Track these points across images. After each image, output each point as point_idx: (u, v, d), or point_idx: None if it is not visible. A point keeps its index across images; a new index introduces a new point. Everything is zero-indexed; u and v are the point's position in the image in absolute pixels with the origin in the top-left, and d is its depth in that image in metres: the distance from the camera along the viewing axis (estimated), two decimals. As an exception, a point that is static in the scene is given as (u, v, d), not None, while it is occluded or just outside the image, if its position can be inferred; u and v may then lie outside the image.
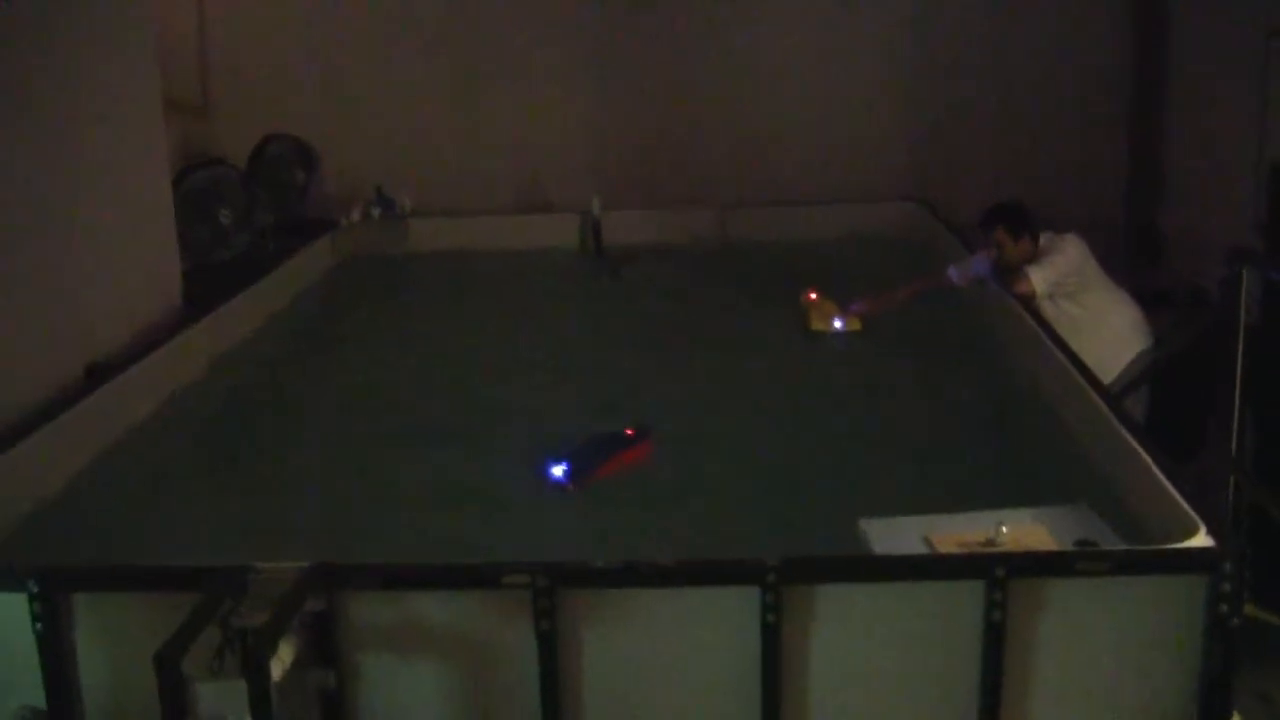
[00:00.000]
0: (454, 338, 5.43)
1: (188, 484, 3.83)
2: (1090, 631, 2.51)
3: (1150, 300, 5.44)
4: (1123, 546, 2.79)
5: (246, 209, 6.00)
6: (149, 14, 4.84)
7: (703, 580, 2.52)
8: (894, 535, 2.91)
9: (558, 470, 3.58)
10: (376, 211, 6.94)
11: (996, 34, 7.18)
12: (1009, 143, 7.18)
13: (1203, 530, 2.62)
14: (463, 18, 7.27)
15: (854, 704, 2.54)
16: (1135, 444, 3.19)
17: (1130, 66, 7.14)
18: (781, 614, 2.46)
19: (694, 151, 7.29)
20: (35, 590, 2.51)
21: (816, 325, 5.20)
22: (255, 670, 2.19)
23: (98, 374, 4.05)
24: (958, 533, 2.84)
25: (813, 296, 5.33)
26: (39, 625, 2.52)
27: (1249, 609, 2.55)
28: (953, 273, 5.31)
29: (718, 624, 2.50)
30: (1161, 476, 2.96)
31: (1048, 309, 5.01)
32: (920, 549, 2.82)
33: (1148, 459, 3.08)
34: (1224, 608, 2.45)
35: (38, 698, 2.55)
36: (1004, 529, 2.74)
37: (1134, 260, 6.88)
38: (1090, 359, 4.07)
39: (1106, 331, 5.14)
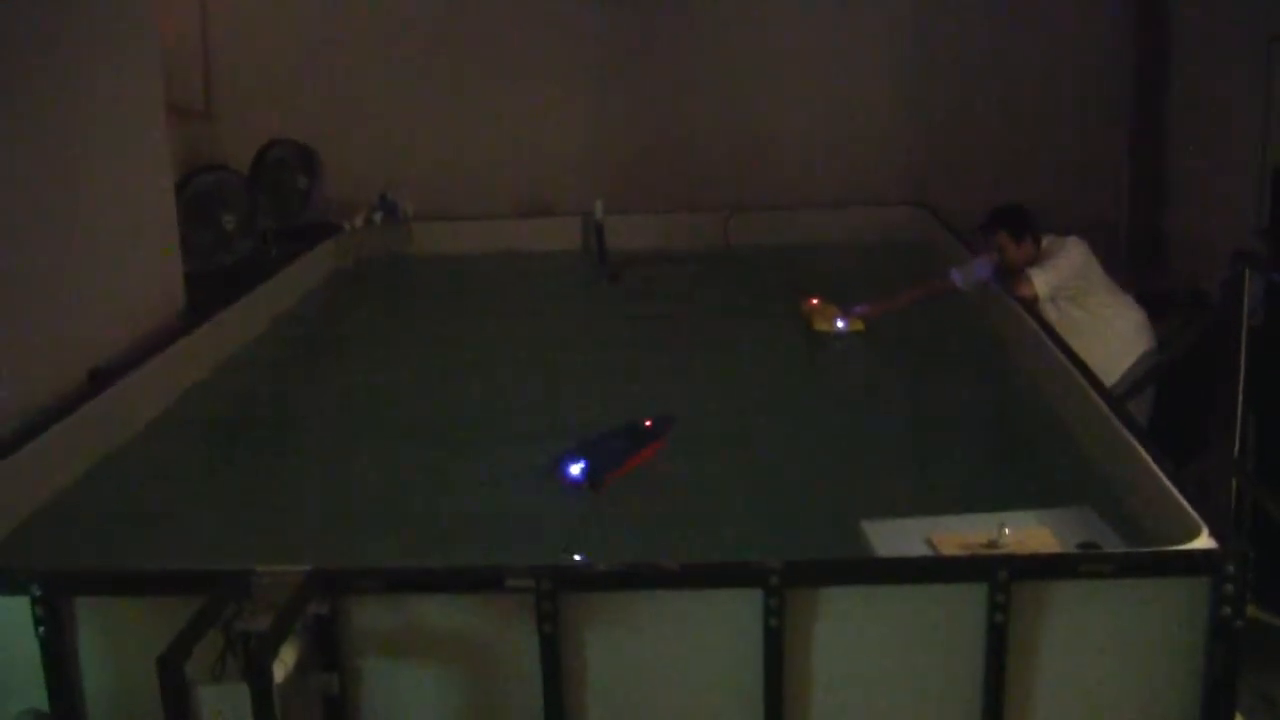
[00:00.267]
0: (457, 341, 5.43)
1: (190, 488, 3.83)
2: (1093, 633, 2.51)
3: (1151, 302, 5.44)
4: (1125, 548, 2.80)
5: (249, 214, 6.01)
6: (151, 19, 4.85)
7: (705, 583, 2.52)
8: (896, 537, 2.91)
9: (575, 469, 3.52)
10: (379, 216, 6.96)
11: (997, 36, 7.18)
12: (1010, 144, 7.18)
13: (1205, 532, 2.62)
14: (464, 22, 7.27)
15: (856, 706, 2.54)
16: (1137, 446, 3.19)
17: (1131, 68, 7.13)
18: (784, 617, 2.46)
19: (695, 154, 7.29)
20: (38, 594, 2.51)
21: (819, 326, 5.20)
22: (258, 674, 2.19)
23: (101, 378, 4.06)
24: (960, 534, 2.84)
25: (814, 303, 5.34)
26: (42, 629, 2.52)
27: (1252, 611, 2.53)
28: (955, 276, 5.31)
29: (720, 627, 2.50)
30: (1164, 478, 2.96)
31: (1050, 311, 5.01)
32: (922, 551, 2.82)
33: (1150, 461, 3.08)
34: (1227, 609, 2.45)
35: (40, 701, 2.56)
36: (1006, 531, 2.74)
37: (1134, 262, 6.87)
38: (1093, 362, 4.07)
39: (1109, 334, 5.13)
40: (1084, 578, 2.49)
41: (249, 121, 6.98)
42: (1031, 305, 4.92)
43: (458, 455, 3.93)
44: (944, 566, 2.64)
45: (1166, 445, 3.19)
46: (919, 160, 7.25)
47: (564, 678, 2.51)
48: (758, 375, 4.76)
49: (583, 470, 3.51)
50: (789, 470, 3.75)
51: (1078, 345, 4.27)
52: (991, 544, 2.74)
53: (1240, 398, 4.40)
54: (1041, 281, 5.06)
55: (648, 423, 3.76)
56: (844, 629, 2.51)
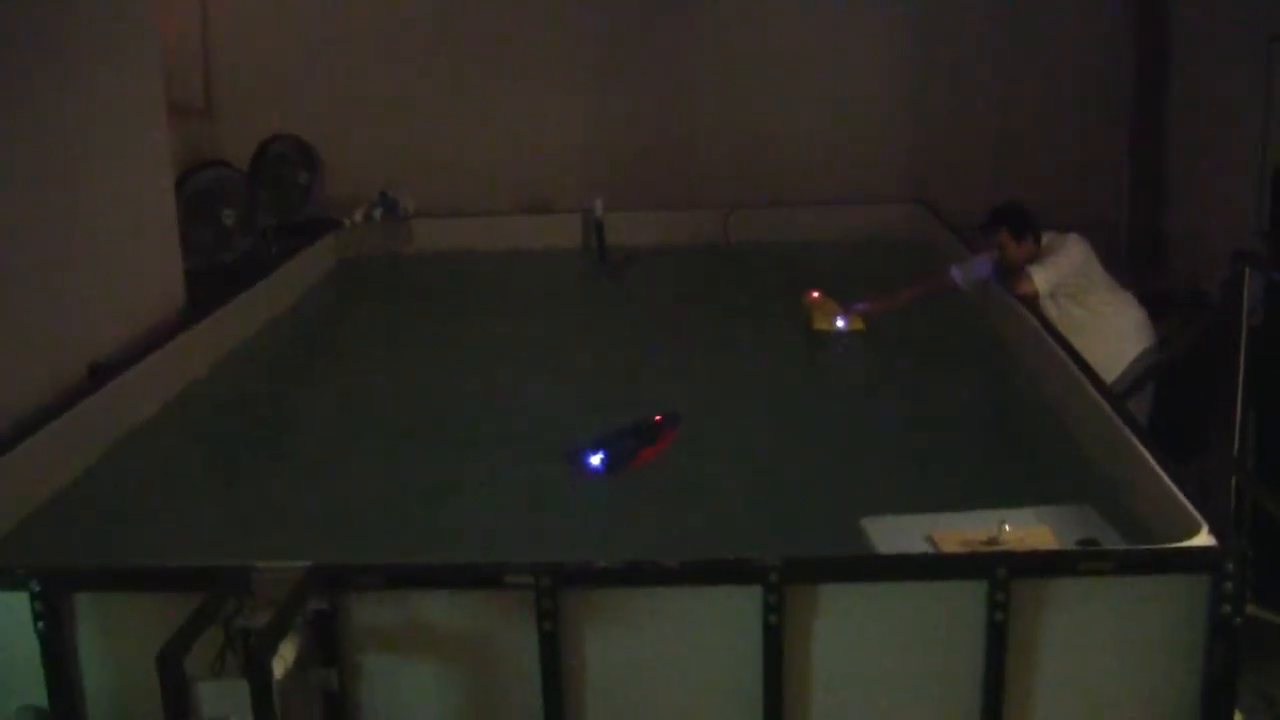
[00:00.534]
0: (456, 338, 5.43)
1: (190, 483, 3.84)
2: (1093, 631, 2.51)
3: (1151, 302, 5.44)
4: (1125, 546, 2.79)
5: (249, 210, 6.01)
6: (151, 19, 4.85)
7: (705, 580, 2.51)
8: (896, 534, 2.91)
9: (595, 459, 3.60)
10: (379, 212, 6.96)
11: (998, 35, 7.18)
12: (1010, 143, 7.18)
13: (1205, 530, 2.62)
14: (464, 21, 7.28)
15: (856, 703, 2.54)
16: (1138, 443, 3.19)
17: (1131, 67, 7.13)
18: (784, 614, 2.46)
19: (695, 152, 7.30)
20: (37, 590, 2.51)
21: (819, 325, 5.21)
22: (257, 670, 2.19)
23: (100, 374, 4.06)
24: (960, 532, 2.84)
25: (815, 295, 5.34)
26: (41, 625, 2.52)
27: (1251, 609, 2.53)
28: (955, 274, 5.31)
29: (720, 624, 2.50)
30: (1164, 476, 2.96)
31: (1050, 309, 5.01)
32: (922, 548, 2.82)
33: (1150, 458, 3.08)
34: (1226, 607, 2.45)
35: (40, 698, 2.55)
36: (1006, 528, 2.75)
37: (1134, 262, 6.87)
38: (1093, 359, 4.07)
39: (1109, 332, 5.13)
40: (1084, 575, 2.49)
41: (249, 120, 6.97)
42: (1032, 302, 4.92)
43: (457, 449, 3.93)
44: (944, 564, 2.64)
45: (1166, 444, 3.19)
46: (919, 159, 7.25)
47: (563, 674, 2.51)
48: (758, 374, 4.76)
49: (603, 460, 3.60)
50: (789, 468, 3.75)
51: (1078, 343, 4.27)
52: (991, 541, 2.74)
53: (1240, 397, 4.40)
54: (1042, 278, 5.06)
55: (658, 418, 3.79)
56: (844, 626, 2.51)
